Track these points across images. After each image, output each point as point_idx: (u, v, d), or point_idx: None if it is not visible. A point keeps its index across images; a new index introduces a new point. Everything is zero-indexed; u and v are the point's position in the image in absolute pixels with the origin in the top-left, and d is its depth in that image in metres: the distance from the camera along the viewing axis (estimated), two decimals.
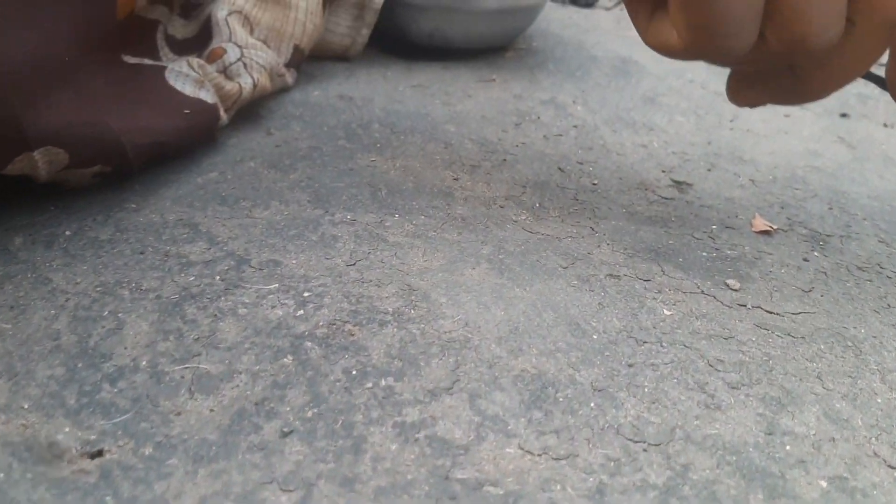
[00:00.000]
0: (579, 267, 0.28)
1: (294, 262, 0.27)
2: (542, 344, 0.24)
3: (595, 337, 0.24)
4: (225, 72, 0.37)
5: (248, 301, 0.24)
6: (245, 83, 0.37)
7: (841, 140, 0.44)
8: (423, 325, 0.24)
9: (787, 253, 0.31)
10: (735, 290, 0.28)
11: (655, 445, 0.20)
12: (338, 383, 0.21)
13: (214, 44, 0.38)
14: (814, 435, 0.21)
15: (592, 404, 0.21)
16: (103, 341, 0.22)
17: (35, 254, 0.26)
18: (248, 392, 0.21)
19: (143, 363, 0.22)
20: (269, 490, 0.18)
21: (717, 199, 0.35)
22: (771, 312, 0.27)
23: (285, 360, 0.22)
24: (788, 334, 0.25)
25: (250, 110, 0.39)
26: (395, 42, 0.51)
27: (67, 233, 0.27)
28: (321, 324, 0.24)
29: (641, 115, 0.45)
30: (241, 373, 0.21)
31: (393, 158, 0.36)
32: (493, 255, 0.28)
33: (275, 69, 0.40)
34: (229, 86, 0.36)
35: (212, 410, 0.20)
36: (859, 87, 0.52)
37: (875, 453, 0.21)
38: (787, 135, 0.44)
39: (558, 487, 0.19)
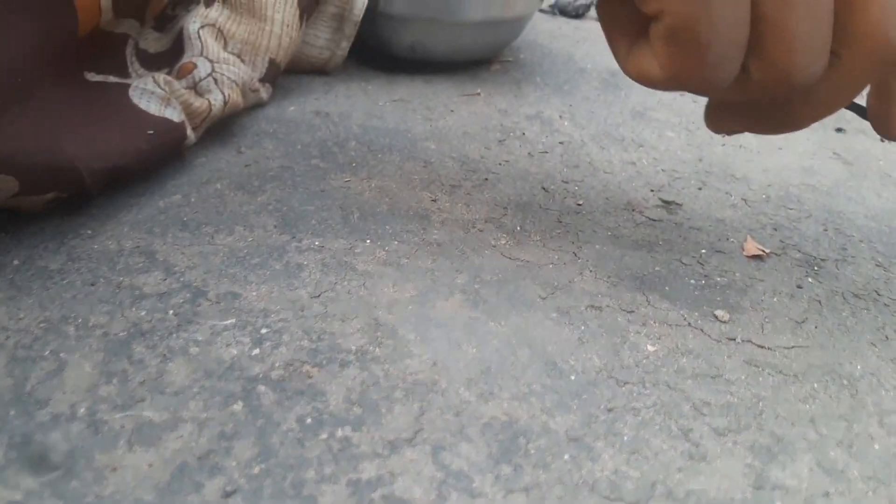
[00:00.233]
0: (559, 297, 0.26)
1: (254, 294, 0.25)
2: (515, 386, 0.22)
3: (573, 378, 0.23)
4: (195, 88, 0.35)
5: (201, 339, 0.23)
6: (215, 100, 0.35)
7: (837, 156, 0.43)
8: (387, 366, 0.22)
9: (779, 279, 0.29)
10: (724, 322, 0.26)
11: None
12: (290, 433, 0.20)
13: (186, 58, 0.36)
14: (806, 489, 0.20)
15: (567, 456, 0.20)
16: (41, 385, 0.21)
17: None
18: (193, 444, 0.19)
19: (82, 410, 0.20)
20: None
21: (707, 220, 0.33)
22: (762, 347, 0.25)
23: (235, 406, 0.20)
24: (780, 372, 0.24)
25: (222, 127, 0.37)
26: (376, 55, 0.49)
27: (16, 262, 0.26)
28: (277, 364, 0.22)
29: (630, 131, 0.43)
30: (186, 421, 0.20)
31: (368, 178, 0.34)
32: (467, 285, 0.27)
33: (248, 84, 0.38)
34: (198, 103, 0.34)
35: (151, 465, 0.18)
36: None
37: None
38: (780, 151, 0.42)
39: None
